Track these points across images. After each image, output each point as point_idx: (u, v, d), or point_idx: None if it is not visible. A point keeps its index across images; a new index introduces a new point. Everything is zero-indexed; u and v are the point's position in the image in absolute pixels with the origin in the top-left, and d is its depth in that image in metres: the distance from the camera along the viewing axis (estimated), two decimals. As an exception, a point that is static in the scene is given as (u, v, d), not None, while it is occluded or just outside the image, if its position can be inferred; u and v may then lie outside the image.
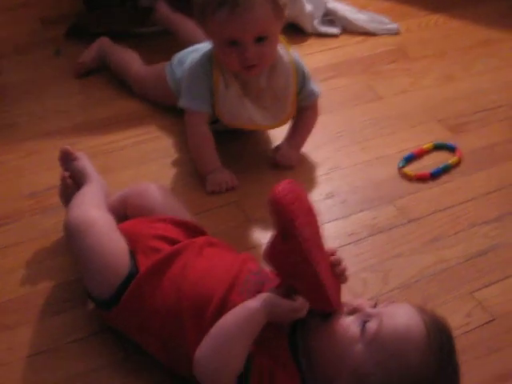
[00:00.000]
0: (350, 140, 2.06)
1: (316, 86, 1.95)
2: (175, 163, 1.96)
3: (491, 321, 1.54)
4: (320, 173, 1.94)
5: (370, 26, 2.58)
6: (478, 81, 2.34)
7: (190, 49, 2.10)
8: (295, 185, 1.23)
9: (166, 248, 1.46)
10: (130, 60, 2.25)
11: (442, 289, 1.60)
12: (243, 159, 1.97)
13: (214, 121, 1.90)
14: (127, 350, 1.45)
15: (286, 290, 1.26)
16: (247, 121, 1.89)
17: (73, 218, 1.51)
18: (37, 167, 1.91)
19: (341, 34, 2.58)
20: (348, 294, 1.47)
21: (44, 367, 1.42)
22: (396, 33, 2.60)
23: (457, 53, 2.49)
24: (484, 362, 1.46)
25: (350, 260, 1.64)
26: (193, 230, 1.55)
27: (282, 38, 1.85)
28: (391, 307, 1.27)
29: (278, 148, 1.95)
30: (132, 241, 1.48)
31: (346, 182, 1.90)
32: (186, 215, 1.61)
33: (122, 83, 2.24)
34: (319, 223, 1.27)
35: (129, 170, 1.93)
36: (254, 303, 1.25)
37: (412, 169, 1.94)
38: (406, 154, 1.98)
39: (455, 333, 1.45)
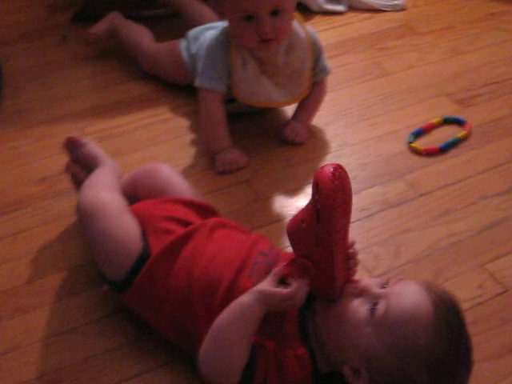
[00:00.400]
0: (358, 116, 2.06)
1: (328, 62, 1.95)
2: (185, 144, 1.96)
3: (503, 292, 1.54)
4: (329, 150, 1.94)
5: (376, 3, 2.58)
6: (486, 54, 2.33)
7: (206, 26, 2.11)
8: (344, 171, 1.21)
9: (177, 229, 1.46)
10: (141, 35, 2.25)
11: (454, 262, 1.61)
12: (253, 138, 1.98)
13: (231, 100, 1.91)
14: (142, 331, 1.46)
15: (279, 279, 1.26)
16: (264, 99, 1.89)
17: (85, 201, 1.51)
18: (47, 152, 1.92)
19: (346, 11, 2.57)
20: (360, 269, 1.48)
21: (61, 349, 1.44)
22: (402, 9, 2.59)
23: (463, 27, 2.48)
24: (497, 332, 1.46)
25: (362, 235, 1.65)
26: (204, 210, 1.55)
27: (296, 14, 1.85)
28: (398, 287, 1.26)
29: (286, 124, 1.96)
30: (142, 222, 1.48)
31: (355, 159, 1.90)
32: (196, 195, 1.61)
33: (130, 65, 2.25)
34: (351, 214, 1.26)
35: (139, 152, 1.93)
36: (246, 298, 1.25)
37: (421, 143, 1.93)
38: (415, 129, 1.98)
39: (467, 305, 1.48)
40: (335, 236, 1.20)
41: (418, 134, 1.97)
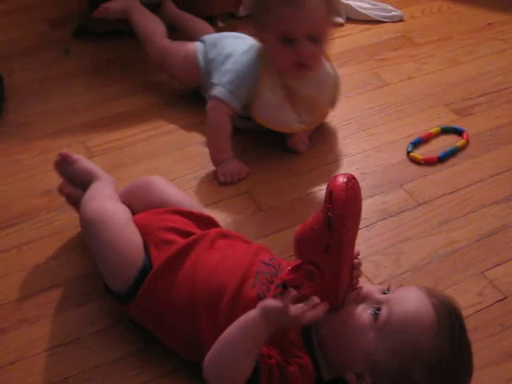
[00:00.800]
0: (358, 127, 2.08)
1: None
2: (186, 156, 1.98)
3: (503, 299, 1.55)
4: (329, 160, 1.96)
5: (375, 14, 2.60)
6: (483, 64, 2.35)
7: (224, 34, 2.15)
8: (357, 182, 1.22)
9: (178, 240, 1.46)
10: (155, 27, 2.22)
11: (454, 269, 1.62)
12: (254, 149, 1.99)
13: (247, 117, 1.93)
14: (146, 340, 1.47)
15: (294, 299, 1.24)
16: (283, 125, 1.92)
17: (90, 213, 1.51)
18: (50, 165, 1.90)
19: (345, 23, 2.59)
20: (361, 278, 1.49)
21: (65, 359, 1.45)
22: (400, 20, 2.61)
23: (461, 37, 2.50)
24: (497, 339, 1.47)
25: (362, 244, 1.66)
26: (203, 221, 1.56)
27: (327, 53, 1.90)
28: (400, 292, 1.27)
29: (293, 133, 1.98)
30: (143, 234, 1.49)
31: (355, 169, 1.92)
32: (192, 206, 1.61)
33: (131, 79, 2.27)
34: (359, 225, 1.27)
35: (141, 165, 1.94)
36: (253, 312, 1.24)
37: (420, 153, 1.95)
38: (414, 138, 2.00)
39: (467, 312, 1.49)
40: (345, 245, 1.21)
41: (417, 144, 1.98)
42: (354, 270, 1.29)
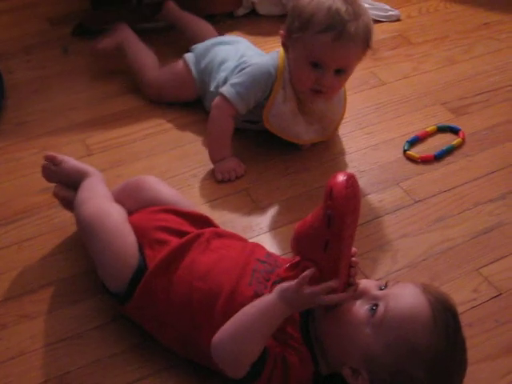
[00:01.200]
0: (355, 125, 2.09)
1: None
2: (184, 154, 1.99)
3: (498, 295, 1.57)
4: (327, 158, 1.97)
5: (372, 14, 2.58)
6: (479, 63, 2.37)
7: (213, 41, 2.14)
8: (356, 181, 1.24)
9: (171, 239, 1.47)
10: (146, 63, 2.21)
11: (449, 266, 1.64)
12: (252, 147, 2.00)
13: (255, 121, 1.94)
14: (144, 336, 1.48)
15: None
16: (294, 135, 1.94)
17: (86, 213, 1.52)
18: (50, 163, 1.94)
19: (343, 22, 2.60)
20: (359, 274, 1.50)
21: (65, 354, 1.46)
22: (397, 19, 2.63)
23: (457, 36, 2.52)
24: (492, 334, 1.49)
25: (360, 241, 1.66)
26: (196, 220, 1.56)
27: None
28: (396, 289, 1.28)
29: None
30: (137, 234, 1.49)
31: (352, 167, 1.93)
32: (185, 205, 1.61)
33: (129, 77, 2.26)
34: (357, 223, 1.28)
35: (140, 162, 1.95)
36: (270, 295, 1.26)
37: (416, 151, 1.97)
38: (410, 137, 2.01)
39: (463, 308, 1.51)
40: (343, 242, 1.22)
41: (414, 142, 2.00)
42: (352, 268, 1.29)
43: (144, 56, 2.24)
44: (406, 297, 1.26)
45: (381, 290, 1.29)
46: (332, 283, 1.23)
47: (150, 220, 1.53)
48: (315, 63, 1.77)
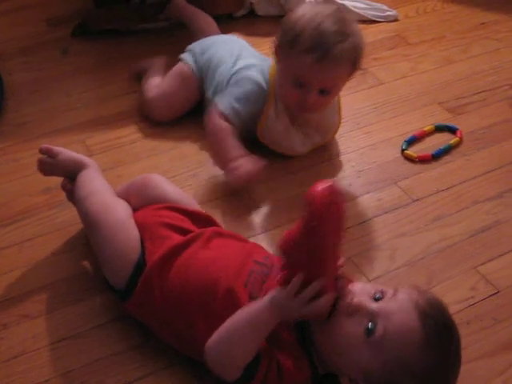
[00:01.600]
0: (353, 125, 2.10)
1: None
2: (185, 154, 1.99)
3: (495, 293, 1.58)
4: (325, 158, 1.98)
5: (369, 14, 2.62)
6: (477, 63, 2.38)
7: (211, 39, 2.15)
8: (337, 189, 1.22)
9: (173, 236, 1.48)
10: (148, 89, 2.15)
11: (447, 265, 1.65)
12: (251, 147, 1.98)
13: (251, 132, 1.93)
14: (146, 334, 1.49)
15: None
16: (288, 148, 1.94)
17: (93, 209, 1.53)
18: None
19: (340, 22, 2.61)
20: (357, 273, 1.53)
21: (67, 353, 1.47)
22: (395, 19, 2.63)
23: (455, 36, 2.52)
24: (490, 332, 1.50)
25: (358, 240, 1.70)
26: (199, 219, 1.57)
27: None
28: (391, 305, 1.25)
29: None
30: (140, 229, 1.51)
31: (350, 166, 1.95)
32: (190, 203, 1.63)
33: (129, 78, 2.28)
34: (344, 231, 1.25)
35: (140, 163, 1.96)
36: (262, 301, 1.27)
37: (414, 151, 1.98)
38: (408, 136, 2.02)
39: (461, 306, 1.53)
40: (325, 251, 1.22)
41: (411, 142, 2.01)
42: (339, 279, 1.28)
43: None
44: (400, 316, 1.23)
45: (375, 300, 1.27)
46: (316, 284, 1.23)
47: (154, 216, 1.54)
48: (300, 82, 1.77)
